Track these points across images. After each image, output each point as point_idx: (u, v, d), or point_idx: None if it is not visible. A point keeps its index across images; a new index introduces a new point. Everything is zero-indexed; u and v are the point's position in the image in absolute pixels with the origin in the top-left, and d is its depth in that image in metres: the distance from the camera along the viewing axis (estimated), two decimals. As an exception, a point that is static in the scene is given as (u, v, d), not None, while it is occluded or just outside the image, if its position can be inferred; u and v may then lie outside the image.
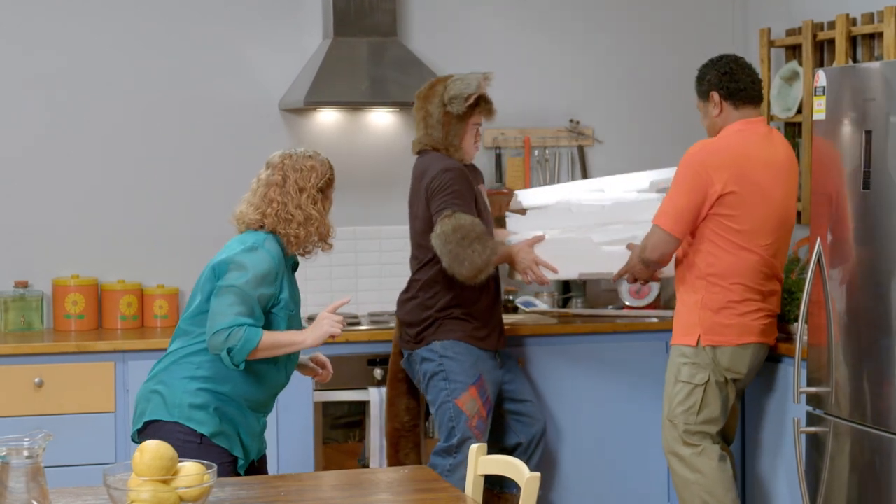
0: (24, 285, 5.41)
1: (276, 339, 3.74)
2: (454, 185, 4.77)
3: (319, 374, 4.12)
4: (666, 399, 4.72)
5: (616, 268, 4.83)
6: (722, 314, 4.61)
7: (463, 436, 4.80)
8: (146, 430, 3.77)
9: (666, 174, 4.98)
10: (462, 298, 4.87)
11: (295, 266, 4.00)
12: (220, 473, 3.01)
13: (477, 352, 4.89)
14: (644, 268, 4.71)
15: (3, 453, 2.80)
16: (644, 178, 5.05)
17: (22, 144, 5.47)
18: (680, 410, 4.66)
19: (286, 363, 3.91)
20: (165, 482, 2.90)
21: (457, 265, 4.68)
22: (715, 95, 4.67)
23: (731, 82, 4.66)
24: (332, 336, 3.83)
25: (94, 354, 5.03)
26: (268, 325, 3.79)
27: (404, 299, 4.98)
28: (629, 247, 4.78)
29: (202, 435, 3.71)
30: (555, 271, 4.86)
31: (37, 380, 4.95)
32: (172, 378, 3.79)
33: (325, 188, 3.93)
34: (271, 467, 4.44)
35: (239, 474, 3.80)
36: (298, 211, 3.84)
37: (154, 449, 2.93)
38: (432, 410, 4.92)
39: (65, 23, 5.49)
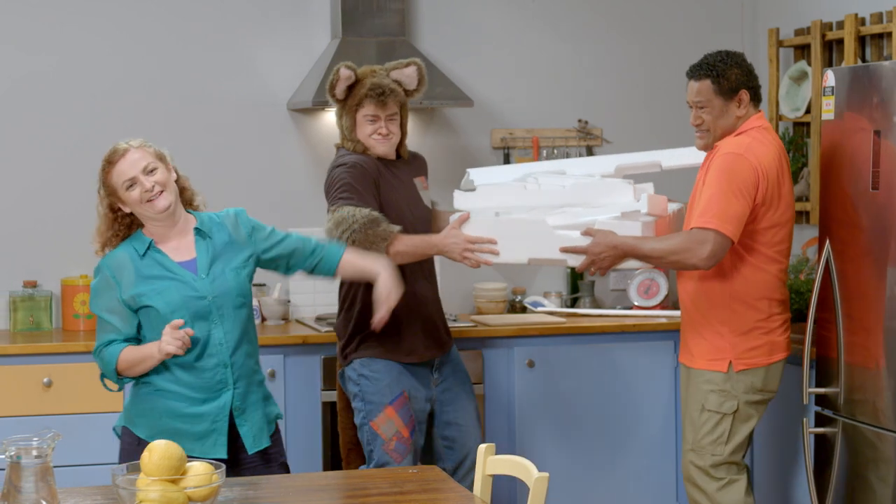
0: (33, 285, 5.41)
1: (134, 356, 3.70)
2: (342, 179, 4.39)
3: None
4: (689, 426, 4.44)
5: (570, 254, 4.34)
6: (751, 336, 4.36)
7: (380, 460, 4.47)
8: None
9: (633, 159, 4.67)
10: (371, 311, 4.38)
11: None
12: None
13: (398, 367, 4.52)
14: (615, 259, 4.29)
15: (13, 453, 2.81)
16: (610, 161, 4.65)
17: (29, 145, 5.48)
18: (707, 441, 4.38)
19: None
20: (174, 482, 2.91)
21: None
22: (745, 95, 4.31)
23: (755, 80, 4.37)
24: (168, 354, 3.65)
25: (103, 354, 5.03)
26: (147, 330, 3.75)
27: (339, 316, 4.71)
28: (586, 232, 4.30)
29: (140, 438, 3.70)
30: (493, 243, 4.34)
31: (45, 379, 4.96)
32: None
33: (106, 188, 3.79)
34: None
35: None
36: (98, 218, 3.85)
37: (163, 448, 2.93)
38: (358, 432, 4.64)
39: (69, 23, 5.49)
